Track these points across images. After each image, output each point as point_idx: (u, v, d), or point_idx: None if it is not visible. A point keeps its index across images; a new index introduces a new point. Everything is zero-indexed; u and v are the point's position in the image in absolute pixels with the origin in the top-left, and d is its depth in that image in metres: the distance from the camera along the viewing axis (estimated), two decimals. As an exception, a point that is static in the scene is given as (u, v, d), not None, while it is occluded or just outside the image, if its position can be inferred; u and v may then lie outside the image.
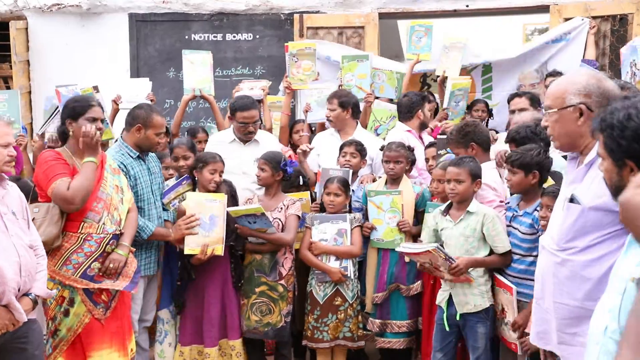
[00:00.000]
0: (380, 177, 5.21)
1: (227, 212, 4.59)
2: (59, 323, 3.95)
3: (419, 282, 4.75)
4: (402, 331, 4.76)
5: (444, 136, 5.12)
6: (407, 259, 4.60)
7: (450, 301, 4.17)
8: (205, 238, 4.56)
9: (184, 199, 4.73)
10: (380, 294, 4.76)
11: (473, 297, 4.08)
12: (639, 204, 1.17)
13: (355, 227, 4.78)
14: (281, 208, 4.82)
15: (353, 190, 5.04)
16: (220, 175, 4.76)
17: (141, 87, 6.36)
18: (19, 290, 3.49)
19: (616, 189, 2.00)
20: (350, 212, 4.89)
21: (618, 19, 7.39)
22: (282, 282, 4.77)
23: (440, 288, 4.30)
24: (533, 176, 4.02)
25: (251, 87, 6.34)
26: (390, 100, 6.73)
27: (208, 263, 4.65)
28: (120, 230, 4.12)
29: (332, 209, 4.79)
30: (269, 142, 5.42)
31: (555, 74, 5.72)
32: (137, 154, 4.58)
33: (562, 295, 2.81)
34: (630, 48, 5.51)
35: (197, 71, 6.30)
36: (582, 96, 2.71)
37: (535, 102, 5.61)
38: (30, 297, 3.57)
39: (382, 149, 5.01)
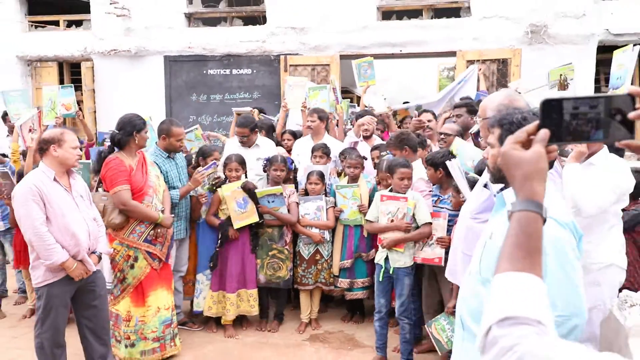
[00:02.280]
0: (341, 170, 5.19)
1: (255, 193, 4.56)
2: (127, 274, 3.95)
3: (373, 250, 4.63)
4: (364, 285, 4.71)
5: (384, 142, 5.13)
6: (367, 229, 4.45)
7: (386, 259, 4.08)
8: (244, 213, 4.56)
9: (212, 176, 4.65)
10: (349, 261, 4.67)
11: (403, 257, 4.02)
12: (514, 156, 1.17)
13: (330, 207, 4.72)
14: (284, 196, 4.71)
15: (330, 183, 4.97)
16: (237, 171, 4.68)
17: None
18: (89, 249, 3.50)
19: (499, 170, 1.89)
20: (326, 195, 4.81)
21: (501, 61, 7.49)
22: (287, 247, 4.74)
23: (378, 250, 4.20)
24: (439, 172, 4.03)
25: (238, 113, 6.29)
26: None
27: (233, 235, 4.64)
28: (163, 207, 4.13)
29: (313, 192, 4.74)
30: (267, 146, 5.36)
31: (461, 105, 5.63)
32: (167, 154, 4.54)
33: (468, 248, 2.82)
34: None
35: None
36: (495, 111, 2.61)
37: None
38: (96, 254, 3.58)
39: (342, 153, 4.93)
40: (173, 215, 4.25)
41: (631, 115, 1.07)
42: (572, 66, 4.97)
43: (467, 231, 2.87)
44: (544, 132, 1.13)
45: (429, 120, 5.70)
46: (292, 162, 4.98)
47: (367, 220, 4.30)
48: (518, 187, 1.16)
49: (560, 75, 5.00)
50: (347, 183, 4.79)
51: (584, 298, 1.63)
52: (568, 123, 1.11)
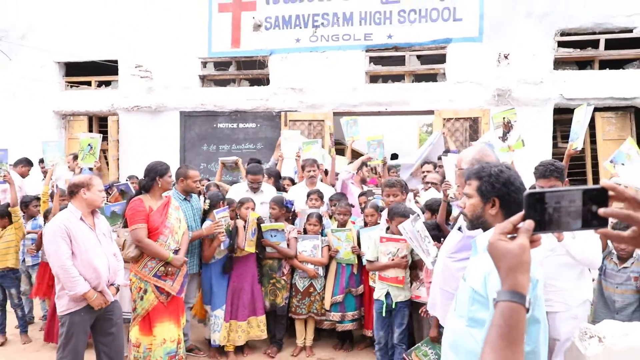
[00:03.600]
0: (330, 213, 5.18)
1: (261, 227, 4.58)
2: (137, 304, 3.88)
3: (362, 285, 4.68)
4: (354, 318, 4.67)
5: (371, 188, 5.16)
6: (368, 268, 4.28)
7: (387, 295, 4.03)
8: (251, 241, 4.54)
9: (221, 218, 4.51)
10: (341, 296, 4.64)
11: (403, 292, 4.00)
12: (500, 248, 1.11)
13: (324, 246, 4.71)
14: (285, 232, 4.73)
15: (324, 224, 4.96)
16: (252, 209, 4.70)
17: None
18: (108, 281, 3.48)
19: (477, 218, 1.91)
20: (322, 235, 4.78)
21: (472, 119, 7.63)
22: (284, 277, 4.73)
23: (376, 287, 4.11)
24: (434, 216, 3.94)
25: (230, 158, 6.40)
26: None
27: (242, 265, 4.61)
28: (178, 248, 4.02)
29: (312, 232, 4.74)
30: (269, 191, 5.39)
31: (429, 162, 5.67)
32: (184, 197, 4.53)
33: (444, 284, 2.82)
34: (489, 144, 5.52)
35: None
36: (469, 164, 2.57)
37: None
38: (114, 286, 3.55)
39: (331, 199, 4.92)
40: (186, 259, 4.10)
41: (601, 212, 1.04)
42: (514, 110, 5.05)
43: (443, 268, 2.83)
44: (529, 223, 1.10)
45: (428, 171, 5.82)
46: (292, 203, 4.96)
47: (367, 260, 4.22)
48: (503, 277, 1.11)
49: (504, 117, 5.09)
50: (337, 227, 4.80)
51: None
52: (551, 215, 1.08)
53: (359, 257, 4.66)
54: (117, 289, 3.58)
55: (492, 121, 5.20)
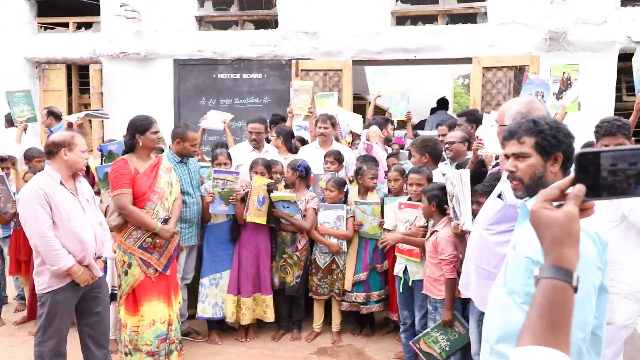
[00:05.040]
0: (351, 178, 5.19)
1: (270, 196, 4.64)
2: (122, 280, 3.92)
3: (386, 261, 4.71)
4: (379, 298, 4.71)
5: (405, 152, 5.13)
6: (384, 244, 4.36)
7: (405, 271, 4.11)
8: (259, 211, 4.62)
9: (224, 185, 4.65)
10: (365, 273, 4.68)
11: (421, 268, 4.00)
12: (543, 216, 1.13)
13: (350, 217, 4.72)
14: (302, 201, 4.78)
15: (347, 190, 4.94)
16: (263, 174, 4.75)
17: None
18: (94, 254, 3.51)
19: (537, 180, 1.93)
20: (345, 204, 4.79)
21: (518, 68, 7.46)
22: (297, 253, 4.79)
23: (397, 261, 4.23)
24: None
25: (215, 119, 6.14)
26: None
27: (250, 235, 4.73)
28: (168, 216, 4.04)
29: (329, 200, 4.77)
30: (275, 153, 5.48)
31: (462, 114, 5.50)
32: (179, 159, 4.57)
33: (480, 260, 2.80)
34: (541, 82, 5.41)
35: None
36: (512, 119, 2.55)
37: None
38: (101, 259, 3.59)
39: (358, 169, 4.87)
40: (178, 229, 4.14)
41: None
42: (578, 67, 4.94)
43: (479, 242, 2.83)
44: (579, 188, 1.09)
45: (443, 135, 5.65)
46: (305, 166, 4.91)
47: (384, 229, 4.31)
48: (547, 250, 1.11)
49: (564, 72, 4.97)
50: (359, 192, 4.80)
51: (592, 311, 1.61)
52: (605, 178, 1.07)
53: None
54: (105, 263, 3.62)
55: (551, 73, 5.09)
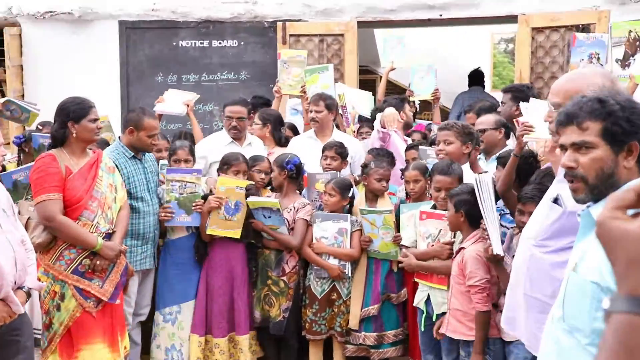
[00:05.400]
0: (358, 178, 5.19)
1: (247, 202, 4.66)
2: (52, 317, 3.89)
3: (404, 289, 4.73)
4: (397, 339, 4.73)
5: (425, 147, 5.10)
6: (402, 259, 4.46)
7: (428, 302, 4.14)
8: (228, 221, 4.62)
9: (182, 188, 4.69)
10: (375, 306, 4.68)
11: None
12: (613, 228, 1.11)
13: (356, 230, 4.74)
14: (291, 209, 4.83)
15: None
16: (244, 175, 4.79)
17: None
18: (14, 283, 3.47)
19: (606, 179, 1.93)
20: (350, 213, 4.83)
21: (580, 28, 7.45)
22: (284, 278, 4.81)
23: (418, 289, 4.27)
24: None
25: (176, 100, 6.11)
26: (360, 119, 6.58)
27: (221, 253, 4.79)
28: (112, 229, 4.05)
29: (328, 208, 4.78)
30: (260, 145, 5.51)
31: (507, 89, 5.55)
32: (132, 154, 4.58)
33: (532, 289, 2.79)
34: (594, 40, 5.40)
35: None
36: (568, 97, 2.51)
37: None
38: (24, 289, 3.54)
39: (365, 166, 4.91)
40: (125, 247, 4.18)
41: None
42: None
43: (530, 263, 2.82)
44: None
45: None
46: (296, 164, 4.93)
47: (402, 246, 4.31)
48: (621, 274, 1.10)
49: (630, 32, 4.97)
50: (366, 198, 4.83)
51: None
52: None
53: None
54: (28, 295, 3.58)
55: (610, 33, 5.11)
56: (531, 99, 4.09)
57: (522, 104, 4.02)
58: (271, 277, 4.81)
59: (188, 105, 6.01)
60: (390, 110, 5.48)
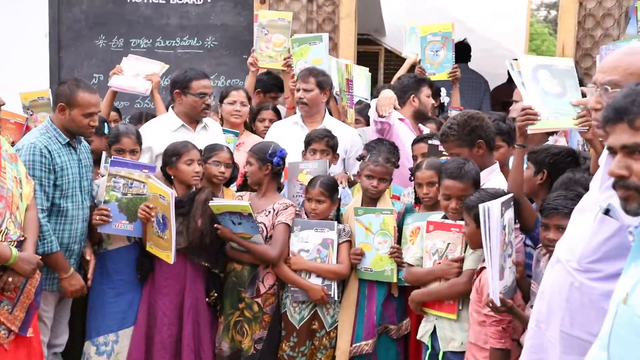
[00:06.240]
0: (353, 178, 5.23)
1: (209, 208, 4.66)
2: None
3: (407, 319, 4.76)
4: None
5: (436, 141, 5.01)
6: (405, 279, 4.54)
7: (434, 335, 4.16)
8: (160, 239, 4.61)
9: (127, 187, 4.70)
10: (371, 341, 4.69)
11: (462, 333, 4.03)
12: None
13: (345, 241, 4.78)
14: (269, 212, 4.85)
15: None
16: (200, 165, 4.79)
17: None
18: None
19: None
20: (338, 220, 4.88)
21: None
22: (259, 300, 4.81)
23: (424, 319, 4.30)
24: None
25: (137, 73, 6.13)
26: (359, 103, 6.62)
27: (171, 270, 4.77)
28: (23, 235, 4.00)
29: (316, 217, 4.81)
30: (217, 128, 5.53)
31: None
32: (67, 139, 4.54)
33: (573, 326, 2.74)
34: None
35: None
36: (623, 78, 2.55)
37: None
38: None
39: (360, 158, 4.96)
40: (38, 258, 4.11)
41: None
42: None
43: (570, 293, 2.78)
44: None
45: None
46: (275, 152, 4.96)
47: (406, 264, 4.34)
48: None
49: None
50: (363, 202, 4.87)
51: None
52: None
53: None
54: None
55: None
56: (528, 69, 3.96)
57: (515, 76, 3.94)
58: (244, 299, 4.81)
59: (152, 81, 6.03)
60: (385, 94, 5.49)
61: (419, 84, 6.07)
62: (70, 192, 4.53)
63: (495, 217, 3.36)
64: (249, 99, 5.98)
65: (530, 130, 3.76)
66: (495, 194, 3.79)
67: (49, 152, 4.40)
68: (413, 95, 5.81)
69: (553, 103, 3.62)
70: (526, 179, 4.15)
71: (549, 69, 3.89)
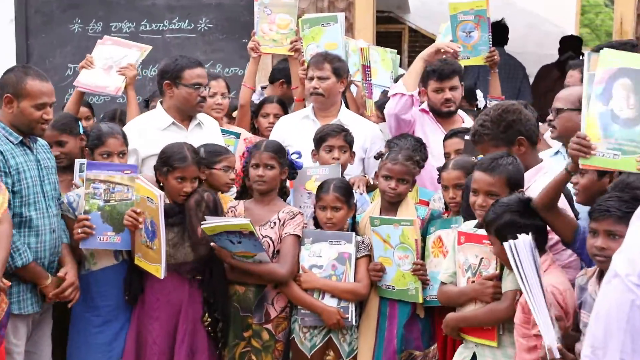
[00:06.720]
0: (372, 181, 5.25)
1: (202, 229, 4.61)
2: None
3: (434, 345, 4.74)
4: None
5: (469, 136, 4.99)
6: (439, 299, 4.52)
7: None
8: (148, 250, 4.60)
9: (109, 193, 4.71)
10: None
11: (502, 358, 4.05)
12: None
13: (364, 256, 4.80)
14: (274, 223, 4.85)
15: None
16: (192, 183, 4.74)
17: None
18: None
19: None
20: (355, 231, 4.89)
21: None
22: (269, 326, 4.83)
23: (461, 344, 4.29)
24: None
25: (110, 65, 6.07)
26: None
27: (163, 291, 4.79)
28: None
29: (332, 227, 4.82)
30: (212, 125, 5.52)
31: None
32: (20, 138, 4.52)
33: (635, 352, 2.69)
34: None
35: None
36: None
37: None
38: None
39: (378, 156, 4.98)
40: (7, 283, 4.15)
41: None
42: None
43: (632, 314, 2.70)
44: None
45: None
46: (297, 164, 5.09)
47: (441, 282, 4.39)
48: None
49: None
50: (382, 207, 4.92)
51: None
52: None
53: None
54: None
55: None
56: (605, 74, 3.70)
57: (586, 80, 3.69)
58: (251, 324, 4.82)
59: (126, 76, 5.98)
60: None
61: (426, 76, 5.95)
62: (31, 199, 4.51)
63: (525, 254, 3.37)
64: (229, 88, 6.06)
65: (582, 165, 3.65)
66: (508, 204, 3.84)
67: (1, 153, 4.38)
68: (445, 82, 5.73)
69: (619, 133, 3.49)
70: (585, 186, 4.14)
71: (633, 78, 3.66)
